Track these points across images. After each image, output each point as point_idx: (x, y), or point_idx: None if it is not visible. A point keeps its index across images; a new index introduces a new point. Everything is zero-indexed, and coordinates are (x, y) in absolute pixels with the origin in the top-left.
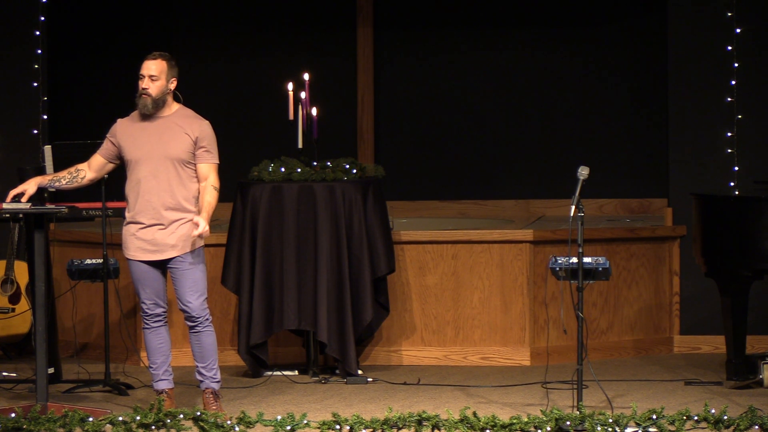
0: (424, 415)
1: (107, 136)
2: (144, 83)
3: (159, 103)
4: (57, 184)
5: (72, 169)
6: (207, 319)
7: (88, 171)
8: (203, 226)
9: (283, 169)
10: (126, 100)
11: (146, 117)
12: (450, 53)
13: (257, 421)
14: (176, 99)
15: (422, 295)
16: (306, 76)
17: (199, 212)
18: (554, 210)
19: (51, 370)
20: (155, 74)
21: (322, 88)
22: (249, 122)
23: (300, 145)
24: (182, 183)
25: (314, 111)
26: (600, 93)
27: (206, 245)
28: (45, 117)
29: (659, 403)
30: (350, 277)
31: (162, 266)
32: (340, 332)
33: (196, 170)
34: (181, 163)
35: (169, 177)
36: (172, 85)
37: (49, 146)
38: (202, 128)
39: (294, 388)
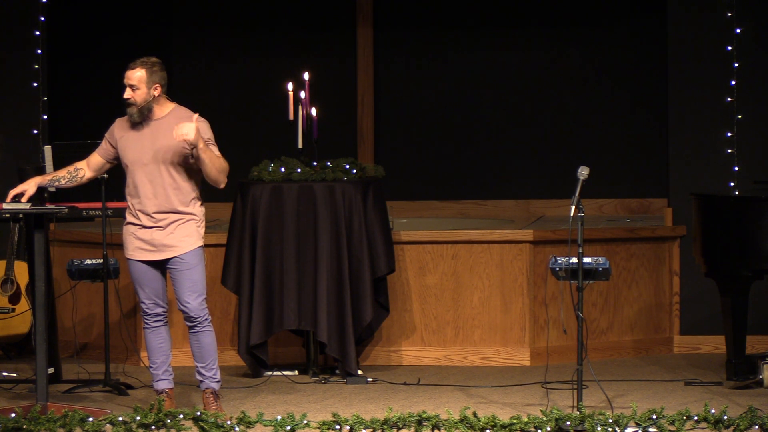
0: (424, 415)
1: (105, 135)
2: (126, 93)
3: (144, 111)
4: (57, 183)
5: (71, 168)
6: (206, 319)
7: (87, 170)
8: (191, 130)
9: (283, 169)
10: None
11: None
12: (450, 53)
13: (257, 421)
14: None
15: (422, 295)
16: (306, 76)
17: (197, 213)
18: (554, 210)
19: (51, 370)
20: (135, 84)
21: (322, 88)
22: (249, 122)
23: (300, 145)
24: (177, 185)
25: (314, 111)
26: (600, 93)
27: (206, 245)
28: (45, 117)
29: (659, 403)
30: (350, 277)
31: (161, 266)
32: (340, 332)
33: (194, 167)
34: (175, 165)
35: (164, 180)
36: (156, 91)
37: (49, 146)
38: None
39: (294, 388)
